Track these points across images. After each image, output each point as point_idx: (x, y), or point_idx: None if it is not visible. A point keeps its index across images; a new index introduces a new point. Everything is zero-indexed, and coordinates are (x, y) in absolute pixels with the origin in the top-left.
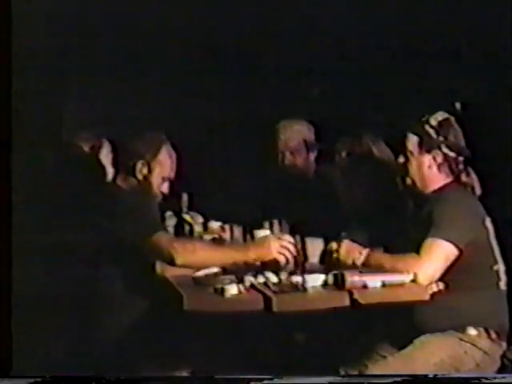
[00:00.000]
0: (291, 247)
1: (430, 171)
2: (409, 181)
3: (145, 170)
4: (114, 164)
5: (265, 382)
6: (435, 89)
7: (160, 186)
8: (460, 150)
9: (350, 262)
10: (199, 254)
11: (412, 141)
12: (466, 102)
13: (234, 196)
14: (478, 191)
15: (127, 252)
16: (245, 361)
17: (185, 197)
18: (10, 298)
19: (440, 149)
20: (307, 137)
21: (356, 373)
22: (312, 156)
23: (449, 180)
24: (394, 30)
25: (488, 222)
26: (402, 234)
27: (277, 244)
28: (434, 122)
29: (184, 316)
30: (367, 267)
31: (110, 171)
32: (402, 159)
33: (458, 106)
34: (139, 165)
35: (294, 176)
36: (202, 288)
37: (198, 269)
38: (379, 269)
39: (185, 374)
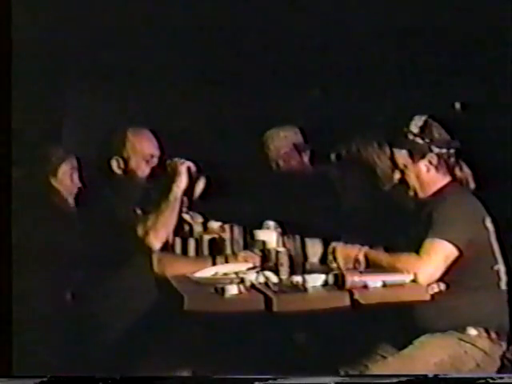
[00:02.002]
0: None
1: (428, 175)
2: (411, 192)
3: (121, 164)
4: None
5: (269, 381)
6: (435, 89)
7: (145, 168)
8: (448, 143)
9: (350, 266)
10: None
11: (401, 155)
12: (465, 102)
13: (234, 196)
14: (472, 185)
15: (127, 252)
16: (245, 361)
17: (184, 197)
18: (10, 298)
19: (431, 151)
20: (296, 140)
21: (356, 373)
22: (305, 157)
23: (447, 180)
24: (394, 30)
25: (488, 222)
26: (402, 234)
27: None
28: (416, 130)
29: (184, 316)
30: (367, 267)
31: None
32: (398, 175)
33: (457, 106)
34: (113, 162)
35: (291, 178)
36: (203, 288)
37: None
38: (378, 268)
39: (185, 373)
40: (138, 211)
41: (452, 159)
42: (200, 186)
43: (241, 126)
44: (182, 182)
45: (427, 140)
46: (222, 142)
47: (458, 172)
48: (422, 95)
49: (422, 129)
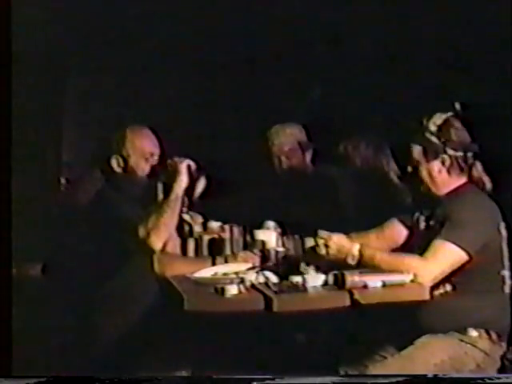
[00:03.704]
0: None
1: (440, 176)
2: (424, 187)
3: (121, 163)
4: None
5: (267, 382)
6: (435, 89)
7: (145, 166)
8: (466, 146)
9: (342, 256)
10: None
11: (416, 151)
12: (465, 102)
13: (234, 196)
14: (489, 185)
15: (127, 251)
16: (245, 361)
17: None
18: (10, 298)
19: (446, 152)
20: (300, 138)
21: (356, 373)
22: (308, 156)
23: (462, 181)
24: (394, 30)
25: (502, 228)
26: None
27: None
28: (433, 128)
29: (184, 316)
30: (366, 266)
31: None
32: (410, 169)
33: (457, 106)
34: (113, 160)
35: (293, 177)
36: (203, 288)
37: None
38: (381, 269)
39: (185, 373)
40: (139, 210)
41: (469, 162)
42: (200, 185)
43: (241, 126)
44: (183, 181)
45: (443, 140)
46: (222, 141)
47: (474, 174)
48: (423, 95)
49: (440, 128)
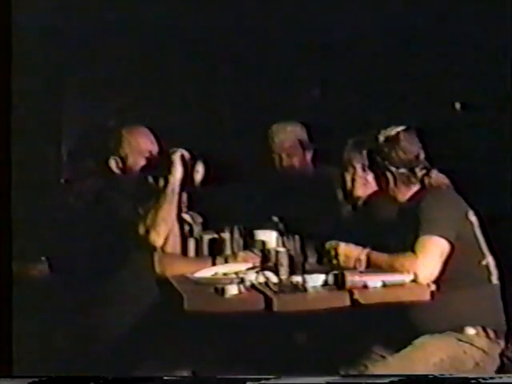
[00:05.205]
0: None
1: (390, 188)
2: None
3: (120, 164)
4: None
5: (262, 382)
6: (435, 89)
7: (145, 164)
8: (411, 163)
9: (351, 265)
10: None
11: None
12: (465, 102)
13: (234, 196)
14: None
15: (127, 252)
16: (244, 361)
17: (184, 197)
18: (10, 298)
19: (387, 169)
20: (301, 137)
21: (356, 373)
22: (308, 156)
23: (416, 188)
24: (394, 30)
25: (471, 215)
26: (400, 234)
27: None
28: (377, 143)
29: (184, 316)
30: (367, 267)
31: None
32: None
33: (457, 106)
34: (112, 162)
35: (293, 176)
36: (203, 288)
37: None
38: (378, 268)
39: (185, 373)
40: (140, 209)
41: (418, 175)
42: (199, 171)
43: (242, 124)
44: (178, 172)
45: (384, 157)
46: (223, 140)
47: (427, 182)
48: (423, 95)
49: (382, 146)
